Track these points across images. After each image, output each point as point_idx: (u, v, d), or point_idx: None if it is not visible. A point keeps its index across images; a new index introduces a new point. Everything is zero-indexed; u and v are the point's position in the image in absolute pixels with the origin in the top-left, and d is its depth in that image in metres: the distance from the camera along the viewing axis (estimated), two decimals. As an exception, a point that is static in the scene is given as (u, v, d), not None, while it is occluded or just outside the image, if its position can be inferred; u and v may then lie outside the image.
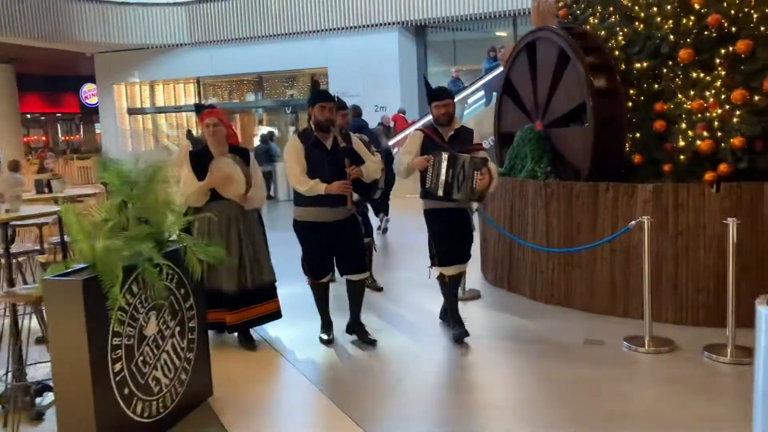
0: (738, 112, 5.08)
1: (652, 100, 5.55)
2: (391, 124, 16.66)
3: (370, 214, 6.87)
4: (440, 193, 4.48)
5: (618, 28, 5.86)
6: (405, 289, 6.43)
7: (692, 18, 5.40)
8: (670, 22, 5.48)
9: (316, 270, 4.80)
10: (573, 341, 4.74)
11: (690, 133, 5.23)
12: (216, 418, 3.69)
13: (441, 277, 4.86)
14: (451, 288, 4.86)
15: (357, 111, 8.73)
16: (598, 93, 5.41)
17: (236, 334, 4.91)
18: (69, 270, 3.18)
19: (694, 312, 4.92)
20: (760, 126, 5.00)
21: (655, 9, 5.62)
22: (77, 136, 31.64)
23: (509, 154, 6.24)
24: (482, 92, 15.44)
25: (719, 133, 5.12)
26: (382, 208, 8.68)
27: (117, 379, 3.16)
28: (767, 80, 4.99)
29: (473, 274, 6.30)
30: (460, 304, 5.08)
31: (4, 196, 6.51)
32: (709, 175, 5.05)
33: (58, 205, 5.14)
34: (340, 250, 4.72)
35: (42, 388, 3.90)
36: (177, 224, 3.73)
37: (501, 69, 11.20)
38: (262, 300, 4.83)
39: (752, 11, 5.22)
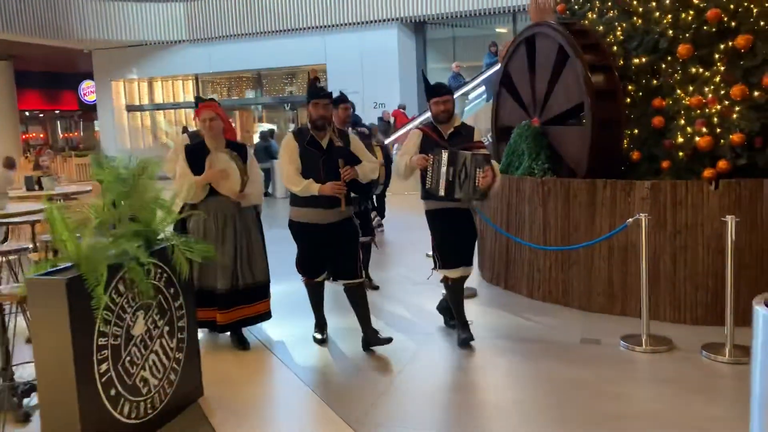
0: (737, 108, 5.02)
1: (650, 96, 5.47)
2: (391, 120, 16.61)
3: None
4: (441, 192, 4.34)
5: (616, 23, 5.78)
6: (400, 287, 6.38)
7: (691, 13, 5.33)
8: (669, 16, 5.42)
9: (309, 269, 4.72)
10: (570, 340, 4.68)
11: (689, 129, 5.17)
12: (205, 419, 3.63)
13: (445, 280, 4.69)
14: (456, 291, 4.69)
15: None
16: (597, 94, 5.33)
17: (228, 333, 4.84)
18: (54, 269, 3.12)
19: (692, 310, 4.86)
20: (760, 122, 4.94)
21: (653, 4, 5.56)
22: (76, 133, 31.64)
23: (506, 151, 6.17)
24: (483, 87, 15.33)
25: (718, 130, 5.06)
26: (377, 209, 8.56)
27: (103, 380, 3.10)
28: (767, 76, 4.93)
29: (470, 272, 6.25)
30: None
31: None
32: (707, 172, 4.99)
33: (52, 202, 5.07)
34: (332, 253, 4.58)
35: (30, 388, 3.82)
36: (167, 221, 3.66)
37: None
38: (253, 300, 4.73)
39: (752, 6, 5.16)
